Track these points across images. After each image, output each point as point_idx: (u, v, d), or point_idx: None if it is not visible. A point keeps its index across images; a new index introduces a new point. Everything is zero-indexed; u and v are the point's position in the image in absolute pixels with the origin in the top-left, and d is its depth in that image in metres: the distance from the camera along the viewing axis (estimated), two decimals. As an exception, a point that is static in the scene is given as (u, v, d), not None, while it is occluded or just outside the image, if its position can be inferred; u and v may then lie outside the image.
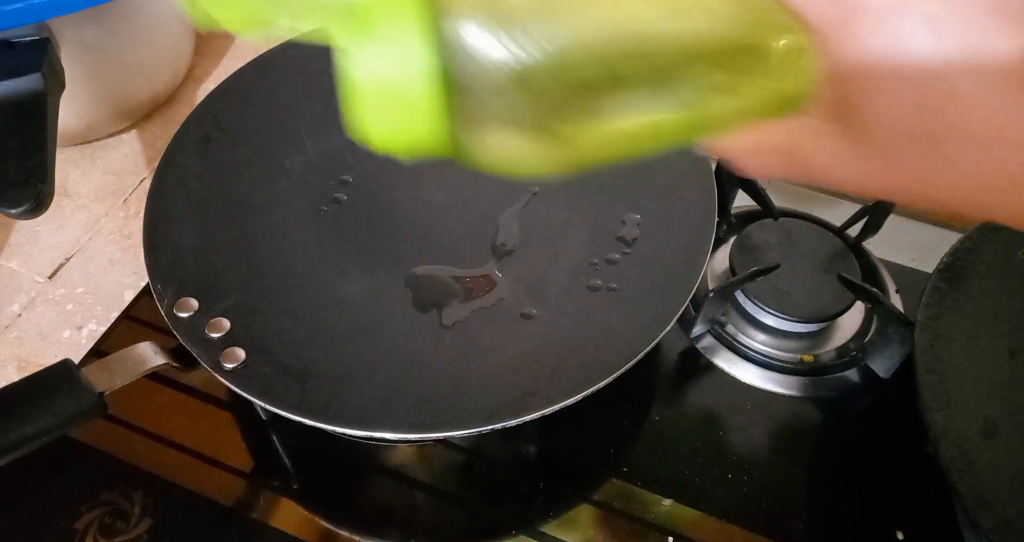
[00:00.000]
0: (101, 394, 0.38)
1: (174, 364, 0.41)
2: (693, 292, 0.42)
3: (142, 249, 0.45)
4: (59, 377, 0.38)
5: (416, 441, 0.46)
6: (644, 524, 0.43)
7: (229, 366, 0.40)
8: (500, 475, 0.46)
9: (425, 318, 0.44)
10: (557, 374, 0.40)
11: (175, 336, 0.41)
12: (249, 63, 0.55)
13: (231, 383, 0.40)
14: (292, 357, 0.41)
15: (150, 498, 0.44)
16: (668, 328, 0.41)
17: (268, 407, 0.39)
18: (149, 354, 0.40)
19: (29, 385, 0.37)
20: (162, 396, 0.48)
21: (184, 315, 0.42)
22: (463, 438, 0.46)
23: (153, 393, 0.48)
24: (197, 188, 0.48)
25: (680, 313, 0.41)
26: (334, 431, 0.39)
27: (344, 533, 0.44)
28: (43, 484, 0.45)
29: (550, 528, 0.43)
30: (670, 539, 0.43)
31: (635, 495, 0.44)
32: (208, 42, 0.73)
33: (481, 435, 0.40)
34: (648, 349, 0.40)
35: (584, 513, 0.44)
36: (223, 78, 0.54)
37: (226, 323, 0.42)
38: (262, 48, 0.58)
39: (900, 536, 0.43)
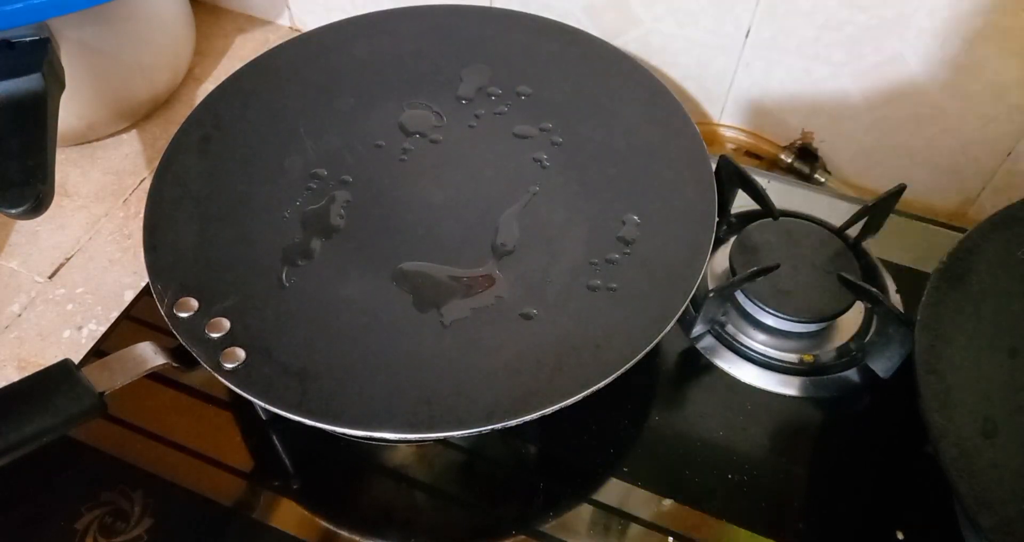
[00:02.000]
0: (101, 394, 0.38)
1: (174, 364, 0.41)
2: (693, 292, 0.42)
3: (142, 249, 0.45)
4: (59, 377, 0.38)
5: (416, 441, 0.46)
6: (644, 524, 0.43)
7: (229, 366, 0.40)
8: (500, 475, 0.46)
9: (425, 318, 0.44)
10: (557, 374, 0.40)
11: (175, 336, 0.41)
12: (249, 63, 0.55)
13: (231, 383, 0.40)
14: (292, 357, 0.41)
15: (150, 498, 0.44)
16: (668, 328, 0.41)
17: (268, 407, 0.39)
18: (149, 354, 0.41)
19: (29, 385, 0.37)
20: (162, 396, 0.48)
21: (184, 315, 0.42)
22: (463, 438, 0.46)
23: (153, 393, 0.48)
24: (197, 188, 0.49)
25: (680, 313, 0.41)
26: (334, 431, 0.39)
27: (344, 533, 0.44)
28: (43, 484, 0.45)
29: (550, 528, 0.43)
30: (670, 539, 0.43)
31: (635, 495, 0.44)
32: (208, 42, 0.73)
33: (481, 435, 0.40)
34: (648, 349, 0.40)
35: (584, 513, 0.44)
36: (223, 78, 0.54)
37: (226, 323, 0.42)
38: (261, 49, 0.58)
39: (900, 536, 0.43)
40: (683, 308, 0.41)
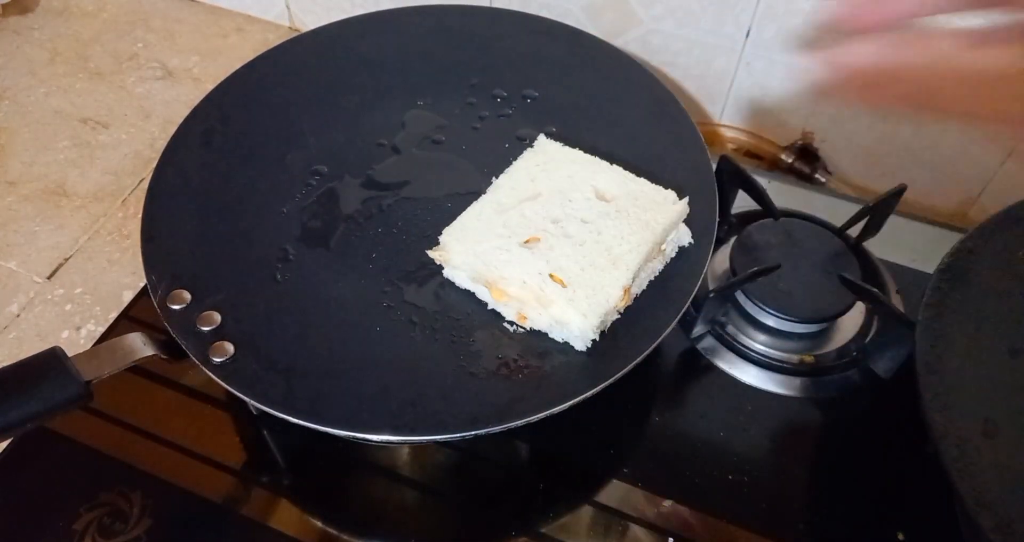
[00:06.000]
0: (88, 383, 0.37)
1: (162, 356, 0.41)
2: (685, 308, 0.42)
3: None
4: (47, 364, 0.37)
5: (398, 443, 0.46)
6: (644, 524, 0.43)
7: (217, 360, 0.40)
8: (500, 475, 0.46)
9: (416, 321, 0.43)
10: (544, 382, 0.40)
11: (166, 328, 0.41)
12: (253, 60, 0.55)
13: (217, 377, 0.40)
14: (280, 354, 0.41)
15: (149, 499, 0.44)
16: (656, 343, 0.41)
17: (252, 403, 0.39)
18: (138, 345, 0.40)
19: (16, 371, 0.37)
20: (162, 397, 0.48)
21: (176, 307, 0.42)
22: (458, 439, 0.46)
23: (153, 394, 0.48)
24: (198, 181, 0.48)
25: (670, 329, 0.41)
26: (317, 429, 0.39)
27: (342, 535, 0.43)
28: (43, 485, 0.45)
29: (550, 529, 0.43)
30: (670, 540, 0.43)
31: (635, 496, 0.44)
32: (208, 42, 0.73)
33: (478, 436, 0.40)
34: (637, 361, 0.40)
35: (584, 514, 0.44)
36: (223, 78, 0.54)
37: (217, 317, 0.42)
38: (261, 49, 0.58)
39: (900, 536, 0.43)
40: (673, 323, 0.41)
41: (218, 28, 0.74)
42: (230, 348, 0.41)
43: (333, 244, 0.47)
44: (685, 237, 0.45)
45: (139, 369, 0.46)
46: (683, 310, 0.42)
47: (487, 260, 0.42)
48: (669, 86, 0.53)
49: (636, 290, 0.43)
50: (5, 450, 0.46)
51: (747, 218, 0.53)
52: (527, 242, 0.43)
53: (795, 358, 0.49)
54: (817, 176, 0.62)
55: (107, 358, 0.39)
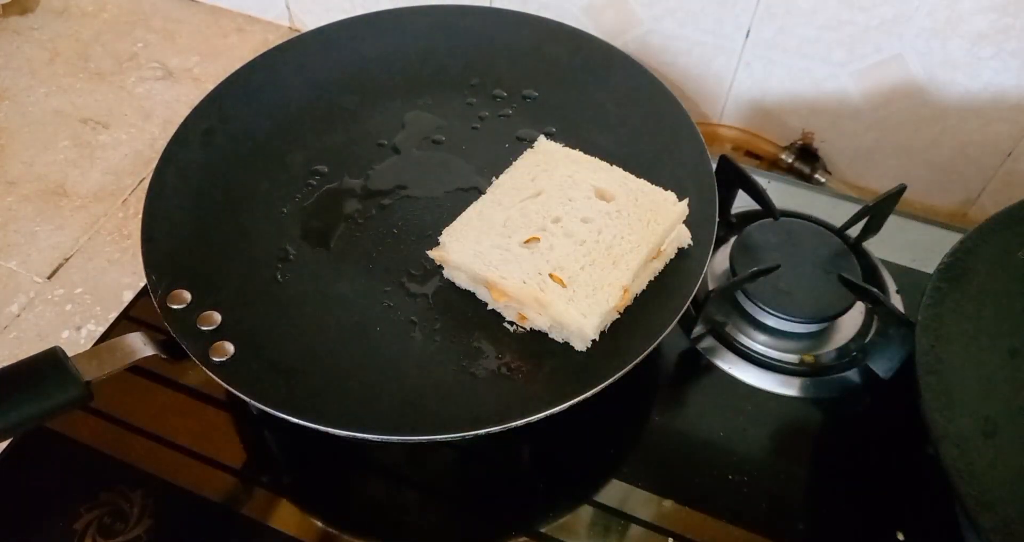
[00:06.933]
0: (88, 383, 0.37)
1: (163, 355, 0.41)
2: (685, 308, 0.42)
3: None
4: (47, 364, 0.37)
5: (398, 443, 0.46)
6: (644, 524, 0.43)
7: (217, 360, 0.40)
8: (500, 475, 0.46)
9: (417, 321, 0.43)
10: (545, 382, 0.40)
11: (167, 328, 0.41)
12: (253, 60, 0.55)
13: (218, 377, 0.40)
14: (281, 353, 0.41)
15: (149, 498, 0.44)
16: (656, 343, 0.41)
17: (253, 402, 0.39)
18: (138, 345, 0.40)
19: (17, 371, 0.37)
20: (163, 397, 0.48)
21: (176, 307, 0.42)
22: (459, 439, 0.46)
23: (154, 394, 0.48)
24: (198, 181, 0.48)
25: (668, 330, 0.41)
26: (317, 429, 0.39)
27: (343, 535, 0.43)
28: (43, 485, 0.45)
29: (550, 529, 0.43)
30: (670, 540, 0.43)
31: (635, 496, 0.44)
32: (208, 42, 0.73)
33: (478, 436, 0.40)
34: (637, 361, 0.40)
35: (584, 514, 0.44)
36: (222, 77, 0.54)
37: (217, 317, 0.42)
38: (261, 49, 0.58)
39: (900, 536, 0.43)
40: (673, 323, 0.41)
41: (218, 28, 0.74)
42: (230, 348, 0.41)
43: (333, 244, 0.47)
44: (685, 237, 0.45)
45: (139, 369, 0.46)
46: (683, 310, 0.42)
47: (487, 260, 0.42)
48: (669, 86, 0.53)
49: (636, 290, 0.43)
50: (5, 450, 0.46)
51: (747, 218, 0.53)
52: (527, 242, 0.43)
53: (795, 358, 0.49)
54: (817, 176, 0.62)
55: (107, 358, 0.39)
